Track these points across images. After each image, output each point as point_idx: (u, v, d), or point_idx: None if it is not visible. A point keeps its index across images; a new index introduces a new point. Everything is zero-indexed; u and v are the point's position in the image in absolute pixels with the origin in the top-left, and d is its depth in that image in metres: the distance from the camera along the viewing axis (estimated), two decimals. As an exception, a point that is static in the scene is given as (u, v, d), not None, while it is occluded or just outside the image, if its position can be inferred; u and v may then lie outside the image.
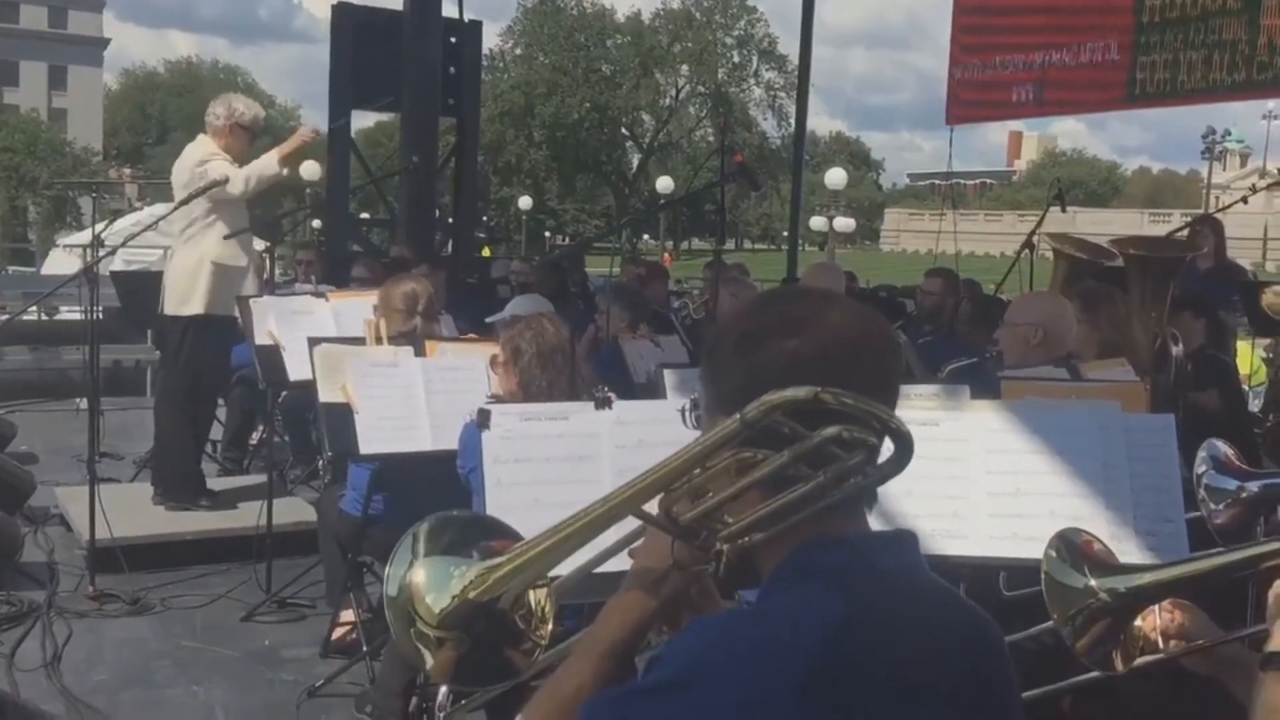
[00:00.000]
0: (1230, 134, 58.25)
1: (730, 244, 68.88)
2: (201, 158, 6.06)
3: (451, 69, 11.96)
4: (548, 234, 63.47)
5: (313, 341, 4.29)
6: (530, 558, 1.51)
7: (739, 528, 1.36)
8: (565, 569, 1.58)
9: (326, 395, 4.18)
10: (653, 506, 1.40)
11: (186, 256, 6.10)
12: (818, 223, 38.31)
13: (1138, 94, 8.38)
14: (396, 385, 4.13)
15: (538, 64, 67.50)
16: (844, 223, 38.33)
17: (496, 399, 3.73)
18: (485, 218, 61.60)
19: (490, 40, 68.65)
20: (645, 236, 60.10)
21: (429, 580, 1.56)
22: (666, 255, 47.43)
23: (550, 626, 1.61)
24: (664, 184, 51.31)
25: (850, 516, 1.38)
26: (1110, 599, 1.81)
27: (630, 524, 1.48)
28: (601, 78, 68.40)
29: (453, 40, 11.98)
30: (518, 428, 2.54)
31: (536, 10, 68.54)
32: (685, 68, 70.24)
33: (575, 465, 2.54)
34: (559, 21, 68.47)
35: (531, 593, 1.61)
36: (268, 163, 6.07)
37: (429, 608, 1.54)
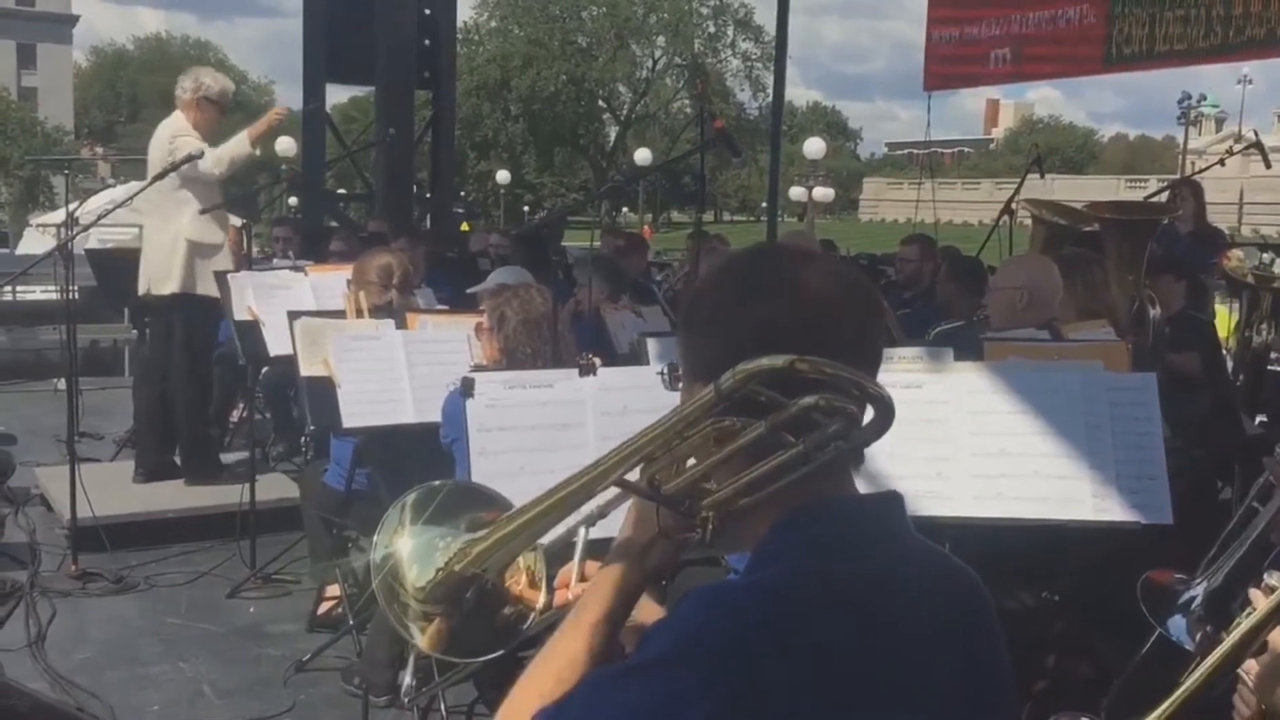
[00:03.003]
0: (1205, 99, 58.38)
1: (709, 215, 68.73)
2: (173, 134, 6.00)
3: (426, 41, 11.86)
4: (526, 209, 63.18)
5: (293, 315, 4.26)
6: (512, 529, 1.50)
7: (723, 495, 1.34)
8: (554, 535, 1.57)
9: (308, 369, 4.16)
10: (635, 475, 1.38)
11: (161, 235, 6.05)
12: (796, 193, 38.27)
13: (1115, 57, 8.38)
14: (378, 358, 4.10)
15: (513, 37, 67.04)
16: (823, 192, 38.30)
17: (480, 368, 3.72)
18: (463, 193, 61.52)
19: (465, 13, 68.20)
20: (625, 209, 59.92)
21: (414, 553, 1.55)
22: (646, 228, 47.27)
23: (542, 592, 1.61)
24: (642, 156, 51.06)
25: (836, 480, 1.37)
26: None
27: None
28: (577, 50, 67.98)
29: (427, 12, 11.87)
30: (502, 395, 2.53)
31: (510, -19, 68.03)
32: (661, 39, 69.89)
33: (560, 433, 2.53)
34: (534, -7, 67.98)
35: (522, 558, 1.60)
36: (239, 144, 6.02)
37: (414, 581, 1.53)
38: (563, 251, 9.53)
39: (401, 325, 4.27)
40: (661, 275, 7.77)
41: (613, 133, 71.99)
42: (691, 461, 1.37)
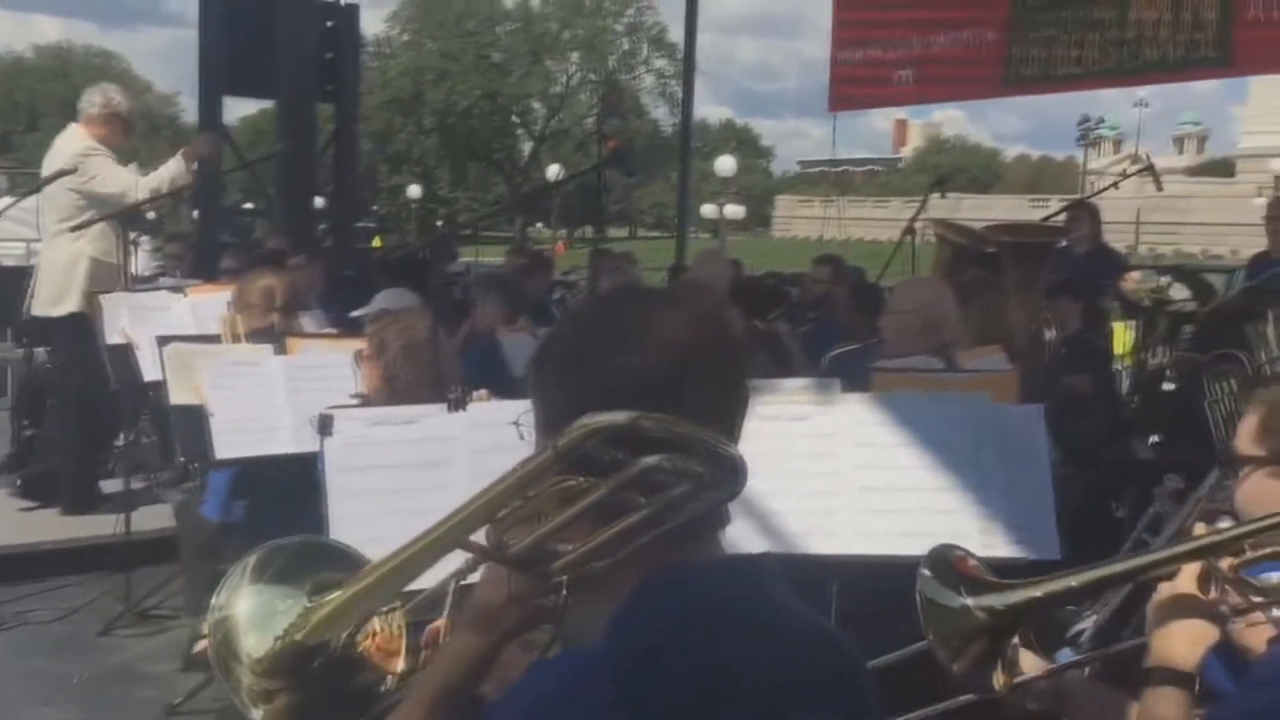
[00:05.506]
0: (1104, 121, 60.13)
1: (624, 231, 68.91)
2: (81, 150, 5.82)
3: (329, 54, 11.60)
4: (439, 223, 62.64)
5: (162, 340, 4.07)
6: (357, 593, 1.38)
7: (575, 558, 1.25)
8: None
9: (178, 396, 3.97)
10: (482, 536, 1.28)
11: (60, 253, 5.85)
12: (709, 210, 38.47)
13: (1014, 80, 8.47)
14: (255, 385, 3.93)
15: (426, 50, 66.52)
16: (734, 210, 38.55)
17: (362, 397, 3.58)
18: (375, 207, 60.73)
19: (377, 26, 67.56)
20: (539, 225, 59.71)
21: (251, 619, 1.43)
22: (560, 244, 47.15)
23: (403, 655, 1.49)
24: (554, 172, 50.96)
25: (700, 541, 1.28)
26: (987, 618, 1.73)
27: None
28: (491, 65, 67.69)
29: (329, 24, 11.62)
30: (364, 433, 2.39)
31: (424, -4, 67.62)
32: (576, 55, 69.94)
33: (428, 471, 2.40)
34: (447, 7, 67.55)
35: (379, 619, 1.49)
36: (178, 170, 5.91)
37: (251, 651, 1.40)
38: (467, 269, 9.39)
39: (283, 350, 4.10)
40: (560, 295, 7.61)
41: (527, 148, 71.80)
42: (541, 522, 1.28)
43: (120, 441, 7.42)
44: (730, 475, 1.14)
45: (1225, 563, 1.70)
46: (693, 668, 1.18)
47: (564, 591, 1.27)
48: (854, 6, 9.72)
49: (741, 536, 2.61)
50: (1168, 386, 6.20)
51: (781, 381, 2.74)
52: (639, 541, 1.20)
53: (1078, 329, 6.46)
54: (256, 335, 4.27)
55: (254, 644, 1.42)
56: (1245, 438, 1.91)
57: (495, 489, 1.23)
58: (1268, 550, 1.70)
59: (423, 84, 65.27)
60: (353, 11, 12.05)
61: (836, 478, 2.61)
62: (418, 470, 2.39)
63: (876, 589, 2.71)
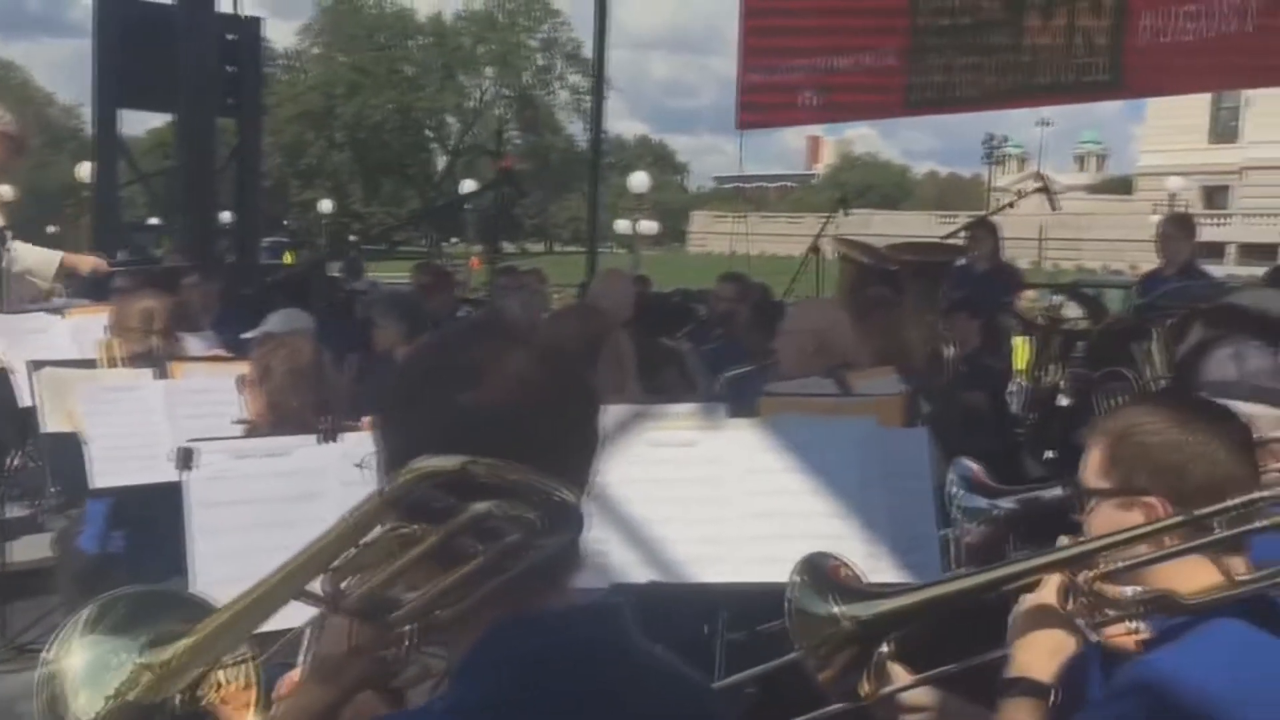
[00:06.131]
0: (1009, 140, 61.61)
1: (541, 246, 68.71)
2: None
3: (230, 67, 11.37)
4: (353, 238, 61.80)
5: (34, 365, 3.90)
6: (187, 650, 1.30)
7: (415, 607, 1.19)
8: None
9: (53, 423, 3.81)
10: (319, 585, 1.22)
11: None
12: (622, 226, 38.54)
13: (914, 102, 8.63)
14: (133, 410, 3.78)
15: (337, 64, 65.77)
16: (648, 225, 38.68)
17: (246, 423, 3.47)
18: (286, 221, 59.67)
19: (288, 39, 66.67)
20: (454, 239, 59.22)
21: (83, 676, 1.34)
22: (475, 259, 46.76)
23: (253, 710, 1.41)
24: (468, 187, 50.61)
25: (548, 586, 1.22)
26: (854, 627, 1.72)
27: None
28: (404, 79, 67.13)
29: (231, 37, 11.39)
30: (230, 466, 2.29)
31: (334, 9, 66.74)
32: (490, 70, 69.66)
33: (298, 505, 2.31)
34: (358, 21, 66.86)
35: (226, 672, 1.41)
36: (44, 266, 5.69)
37: (80, 713, 1.31)
38: (372, 287, 9.23)
39: (164, 374, 3.95)
40: (467, 313, 7.49)
41: (441, 162, 71.28)
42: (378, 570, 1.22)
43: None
44: (567, 522, 1.09)
45: (1084, 575, 1.74)
46: (536, 718, 1.14)
47: (408, 642, 1.21)
48: (761, 31, 9.83)
49: (627, 565, 2.58)
50: (1065, 402, 6.32)
51: (668, 406, 2.71)
52: (483, 589, 1.15)
53: (977, 347, 6.56)
54: (135, 360, 4.12)
55: (84, 704, 1.33)
56: (1091, 470, 1.92)
57: (327, 537, 1.17)
58: (1123, 564, 1.74)
59: (334, 97, 64.50)
60: (255, 24, 11.85)
61: (724, 504, 2.58)
62: (287, 504, 2.30)
63: (765, 616, 2.69)
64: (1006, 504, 2.52)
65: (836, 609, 1.75)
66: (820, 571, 1.85)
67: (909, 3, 8.48)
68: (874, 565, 2.51)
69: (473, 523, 1.08)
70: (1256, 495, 1.77)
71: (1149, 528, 1.77)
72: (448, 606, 1.17)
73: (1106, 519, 1.87)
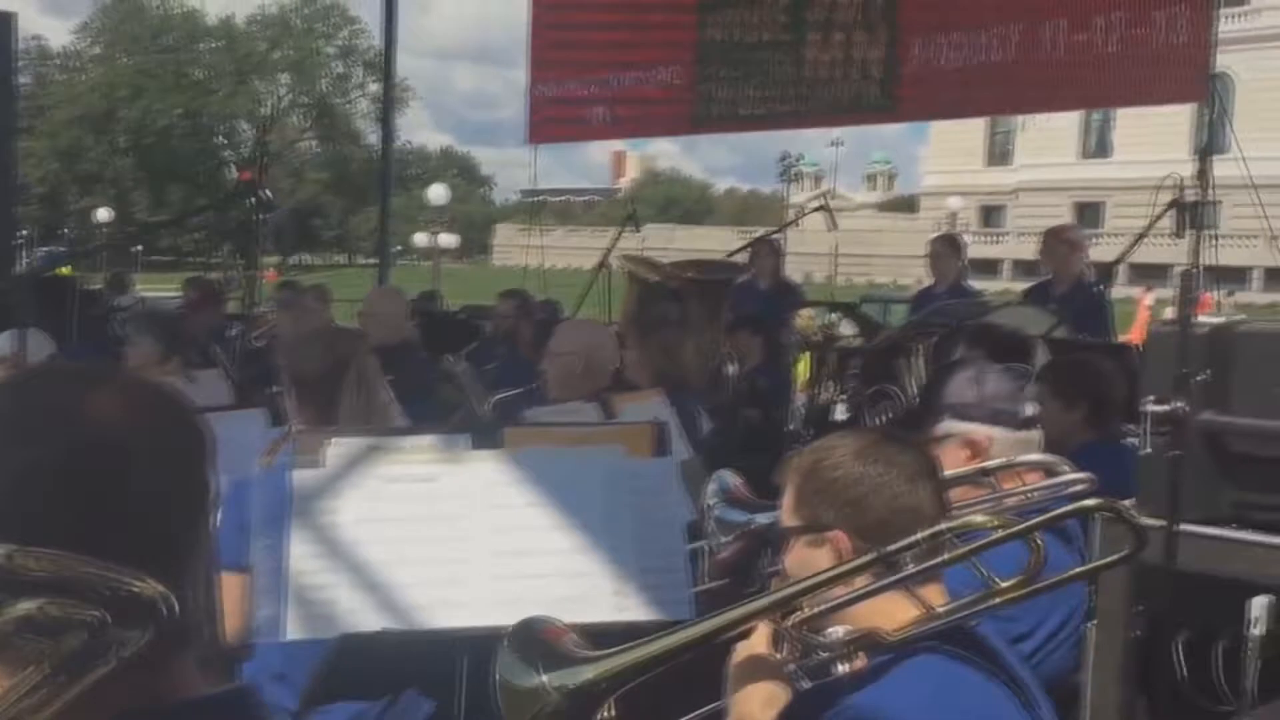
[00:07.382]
0: (803, 158, 63.59)
1: (343, 258, 67.01)
2: None
3: (-24, 65, 10.52)
4: (139, 248, 58.66)
5: None
6: None
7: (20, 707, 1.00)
8: None
9: None
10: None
11: None
12: (421, 239, 37.91)
13: (702, 119, 8.68)
14: None
15: (119, 65, 62.43)
16: (448, 238, 38.17)
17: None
18: (63, 230, 56.11)
19: (64, 38, 62.96)
20: (227, 250, 56.92)
21: None
22: (270, 271, 45.13)
23: None
24: (266, 196, 48.77)
25: (169, 676, 1.04)
26: (561, 699, 1.59)
27: None
28: (193, 83, 64.29)
29: (-23, 34, 10.54)
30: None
31: (114, 8, 63.36)
32: (285, 76, 67.52)
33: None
34: (141, 21, 63.66)
35: None
36: None
37: None
38: (139, 302, 8.66)
39: None
40: (238, 330, 7.01)
41: (234, 170, 68.56)
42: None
43: None
44: (145, 614, 0.91)
45: (792, 620, 1.72)
46: None
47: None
48: (550, 44, 9.73)
49: (357, 614, 2.39)
50: (842, 418, 6.43)
51: (405, 439, 2.54)
52: (70, 692, 0.96)
53: (759, 363, 6.63)
54: None
55: None
56: (785, 509, 1.92)
57: None
58: (825, 606, 1.73)
59: (116, 100, 61.16)
60: (8, 20, 10.99)
61: (466, 543, 2.42)
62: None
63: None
64: (764, 519, 2.46)
65: (542, 678, 1.62)
66: (529, 638, 1.71)
67: (695, 20, 8.53)
68: (622, 603, 2.41)
69: (21, 624, 0.90)
70: (942, 528, 1.78)
71: (842, 568, 1.76)
72: (39, 711, 0.98)
73: (799, 557, 1.87)
